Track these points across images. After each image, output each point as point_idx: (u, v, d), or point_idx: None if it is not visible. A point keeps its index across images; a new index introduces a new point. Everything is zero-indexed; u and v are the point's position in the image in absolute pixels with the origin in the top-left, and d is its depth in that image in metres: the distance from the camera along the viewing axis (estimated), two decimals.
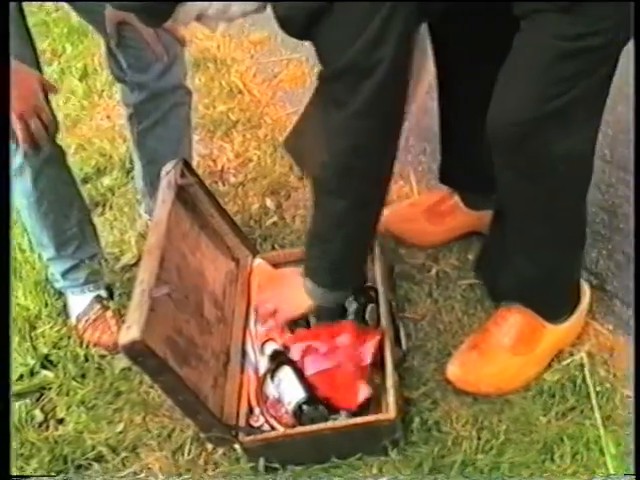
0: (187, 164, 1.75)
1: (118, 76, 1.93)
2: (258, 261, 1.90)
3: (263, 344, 1.67)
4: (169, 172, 1.70)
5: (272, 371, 1.60)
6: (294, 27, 1.27)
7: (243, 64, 3.00)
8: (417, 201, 2.08)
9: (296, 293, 1.62)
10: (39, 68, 1.77)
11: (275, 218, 2.18)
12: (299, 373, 1.58)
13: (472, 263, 1.83)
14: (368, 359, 1.56)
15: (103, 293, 2.02)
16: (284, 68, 2.92)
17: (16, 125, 1.62)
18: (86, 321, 1.96)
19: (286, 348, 1.64)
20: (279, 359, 1.61)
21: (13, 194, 1.83)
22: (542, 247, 1.55)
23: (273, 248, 2.06)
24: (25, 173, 1.77)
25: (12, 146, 1.70)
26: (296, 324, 1.68)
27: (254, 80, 2.88)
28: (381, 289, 1.72)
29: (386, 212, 2.00)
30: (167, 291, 1.44)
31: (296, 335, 1.65)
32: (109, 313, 1.97)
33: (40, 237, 1.93)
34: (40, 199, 1.82)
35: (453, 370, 1.63)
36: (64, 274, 1.99)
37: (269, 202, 2.24)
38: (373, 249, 1.77)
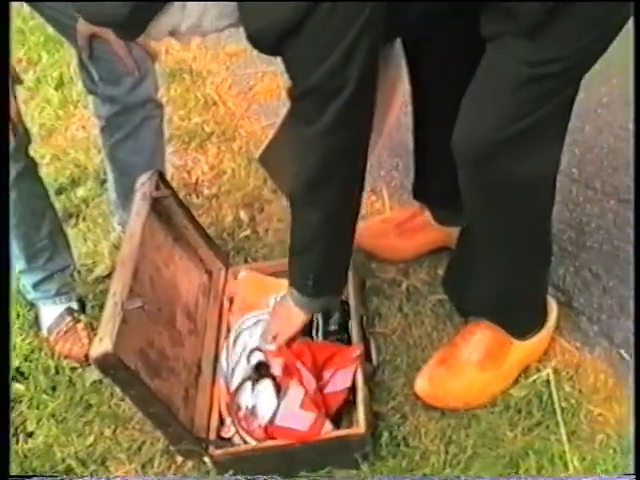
0: (161, 176, 1.76)
1: (90, 88, 1.93)
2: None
3: (250, 353, 1.67)
4: (144, 184, 1.71)
5: (254, 381, 1.61)
6: (263, 45, 1.29)
7: (219, 76, 3.01)
8: (389, 217, 2.11)
9: (287, 310, 1.65)
10: None
11: (248, 231, 2.19)
12: (277, 389, 1.59)
13: (441, 278, 1.85)
14: (349, 382, 1.58)
15: (74, 305, 2.01)
16: (259, 81, 2.93)
17: None
18: (57, 333, 1.96)
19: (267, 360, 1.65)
20: (261, 371, 1.62)
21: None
22: (507, 265, 1.57)
23: (246, 261, 2.07)
24: None
25: None
26: None
27: (229, 92, 2.89)
28: (353, 303, 1.74)
29: (358, 227, 2.04)
30: (140, 304, 1.45)
31: (279, 350, 1.65)
32: (80, 325, 1.97)
33: (12, 249, 1.92)
34: (10, 211, 1.82)
35: (421, 385, 1.65)
36: (35, 286, 1.98)
37: (243, 215, 2.24)
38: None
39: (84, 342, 1.92)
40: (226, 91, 2.90)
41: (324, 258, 1.54)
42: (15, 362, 1.94)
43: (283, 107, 2.65)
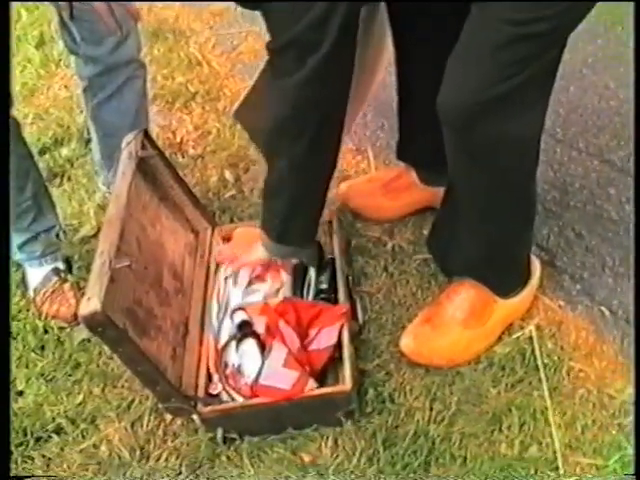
0: (147, 135, 1.74)
1: (72, 49, 1.91)
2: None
3: (233, 312, 1.68)
4: (129, 143, 1.70)
5: (238, 340, 1.62)
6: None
7: (202, 35, 2.97)
8: (374, 176, 2.11)
9: (252, 241, 1.73)
10: None
11: (234, 191, 2.19)
12: (262, 347, 1.60)
13: (425, 238, 1.86)
14: (334, 340, 1.60)
15: (61, 265, 2.01)
16: (243, 40, 2.90)
17: None
18: (44, 294, 1.96)
19: (251, 319, 1.66)
20: (245, 330, 1.63)
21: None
22: (490, 225, 1.59)
23: (232, 221, 2.07)
24: None
25: None
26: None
27: (213, 52, 2.86)
28: (339, 263, 1.75)
29: (343, 187, 2.06)
30: (127, 262, 1.45)
31: (262, 308, 1.66)
32: (67, 285, 1.97)
33: None
34: None
35: (406, 342, 1.67)
36: (21, 247, 1.97)
37: (228, 175, 2.24)
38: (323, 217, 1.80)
39: (71, 302, 1.92)
40: (210, 50, 2.87)
41: (290, 207, 1.60)
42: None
43: None
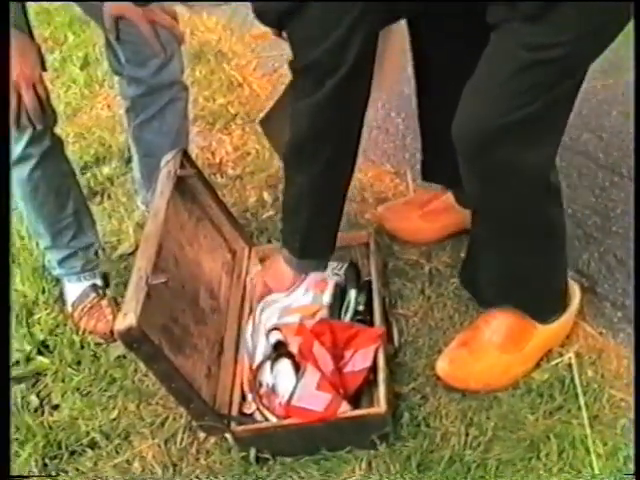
0: (186, 155, 1.76)
1: (116, 69, 1.93)
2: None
3: (268, 332, 1.67)
4: (168, 162, 1.71)
5: (273, 360, 1.61)
6: (266, 22, 1.40)
7: (244, 58, 3.00)
8: (411, 199, 2.10)
9: (278, 267, 1.77)
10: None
11: (272, 212, 2.18)
12: (296, 368, 1.59)
13: (457, 274, 1.84)
14: (369, 362, 1.58)
15: (99, 282, 2.02)
16: (284, 63, 2.89)
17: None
18: (82, 309, 1.97)
19: (286, 339, 1.65)
20: (280, 350, 1.62)
21: (11, 183, 1.84)
22: (513, 250, 1.57)
23: (269, 241, 2.06)
24: (23, 164, 1.77)
25: (12, 135, 1.70)
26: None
27: (254, 74, 2.89)
28: (375, 285, 1.73)
29: (381, 209, 2.05)
30: (164, 279, 1.45)
31: (298, 328, 1.65)
32: (104, 301, 1.98)
33: (36, 226, 1.94)
34: (35, 190, 1.83)
35: (442, 366, 1.64)
36: (60, 262, 1.99)
37: (266, 195, 2.24)
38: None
39: (108, 318, 1.93)
40: (251, 73, 2.89)
41: (310, 222, 1.65)
42: (40, 336, 1.96)
43: None
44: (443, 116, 1.49)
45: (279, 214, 2.15)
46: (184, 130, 2.08)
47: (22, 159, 1.77)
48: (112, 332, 1.82)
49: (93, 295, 1.99)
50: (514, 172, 1.40)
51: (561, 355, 1.64)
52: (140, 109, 1.98)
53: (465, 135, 1.39)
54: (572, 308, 1.68)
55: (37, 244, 2.12)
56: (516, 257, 1.57)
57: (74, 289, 2.01)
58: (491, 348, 1.63)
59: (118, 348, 1.84)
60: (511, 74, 1.31)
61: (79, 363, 1.88)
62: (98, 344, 1.91)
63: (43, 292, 2.08)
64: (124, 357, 1.84)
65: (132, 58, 1.86)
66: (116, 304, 1.96)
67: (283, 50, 2.92)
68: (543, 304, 1.66)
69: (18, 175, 1.80)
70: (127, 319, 1.33)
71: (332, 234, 1.71)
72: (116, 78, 2.01)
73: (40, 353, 1.93)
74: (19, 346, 1.92)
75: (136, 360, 1.69)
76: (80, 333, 1.94)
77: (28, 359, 1.91)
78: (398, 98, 2.60)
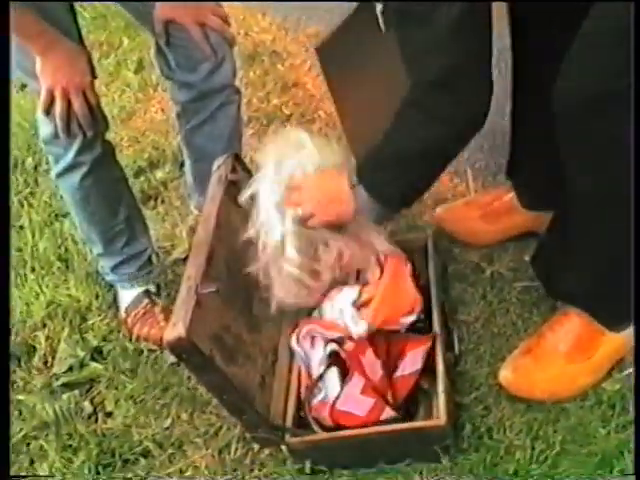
0: (238, 158, 1.72)
1: (167, 74, 1.91)
2: None
3: (326, 343, 1.60)
4: (220, 167, 1.67)
5: (325, 370, 1.56)
6: None
7: (298, 57, 2.95)
8: (472, 200, 2.02)
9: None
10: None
11: None
12: (344, 375, 1.53)
13: (530, 259, 1.75)
14: (419, 364, 1.52)
15: (152, 288, 2.01)
16: None
17: (57, 103, 1.60)
18: (135, 315, 1.95)
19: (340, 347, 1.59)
20: (332, 359, 1.56)
21: (61, 190, 1.84)
22: (606, 248, 1.47)
23: None
24: (74, 172, 1.77)
25: (62, 143, 1.70)
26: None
27: (309, 74, 2.83)
28: (434, 290, 1.66)
29: (440, 211, 1.98)
30: (214, 288, 1.41)
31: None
32: (158, 308, 1.96)
33: (88, 233, 1.93)
34: (86, 197, 1.83)
35: (506, 375, 1.57)
36: (113, 269, 1.99)
37: None
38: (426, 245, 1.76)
39: (162, 325, 1.91)
40: (305, 73, 2.84)
41: (420, 179, 1.51)
42: (94, 342, 1.95)
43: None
44: (536, 113, 1.44)
45: None
46: (237, 134, 2.04)
47: (73, 167, 1.76)
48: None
49: (146, 301, 1.97)
50: (617, 145, 1.30)
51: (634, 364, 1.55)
52: (191, 114, 1.95)
53: (572, 93, 1.29)
54: None
55: (90, 250, 2.11)
56: (602, 255, 1.48)
57: (127, 295, 2.00)
58: (557, 357, 1.55)
59: (172, 355, 1.81)
60: (618, 38, 1.23)
61: (133, 370, 1.87)
62: (152, 350, 1.90)
63: (97, 298, 2.08)
64: (178, 365, 1.82)
65: (182, 63, 1.84)
66: (170, 310, 1.93)
67: None
68: (617, 310, 1.55)
69: (69, 183, 1.80)
70: (176, 329, 1.30)
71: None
72: (167, 83, 1.99)
73: (94, 359, 1.93)
74: (72, 352, 1.92)
75: None
76: (133, 339, 1.93)
77: (81, 365, 1.91)
78: None
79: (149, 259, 2.01)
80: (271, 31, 3.16)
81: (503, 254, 1.88)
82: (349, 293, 1.64)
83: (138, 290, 1.99)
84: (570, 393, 1.53)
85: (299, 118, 2.57)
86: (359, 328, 1.56)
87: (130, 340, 1.93)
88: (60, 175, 1.81)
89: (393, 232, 1.99)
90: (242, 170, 1.71)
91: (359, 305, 1.62)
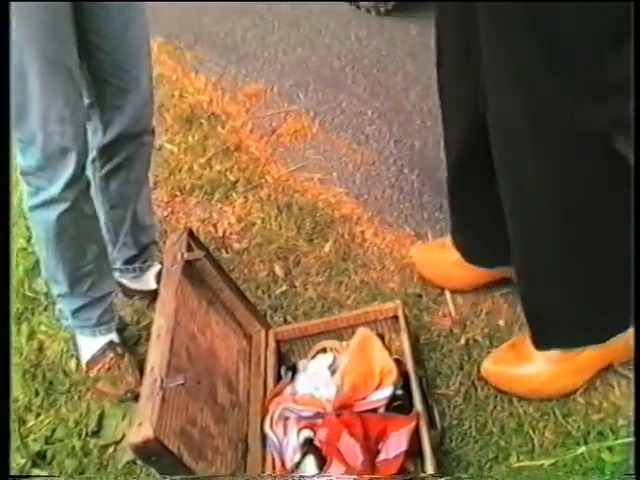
0: (192, 235, 1.71)
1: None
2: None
3: (299, 430, 1.60)
4: (174, 244, 1.66)
5: (300, 459, 1.55)
6: None
7: (238, 119, 2.97)
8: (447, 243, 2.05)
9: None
10: None
11: (285, 287, 2.13)
12: (322, 462, 1.52)
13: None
14: (404, 445, 1.51)
15: (115, 338, 1.99)
16: (282, 121, 2.90)
17: None
18: (98, 370, 1.94)
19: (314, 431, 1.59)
20: (306, 448, 1.55)
21: (34, 224, 1.83)
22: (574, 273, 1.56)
23: (285, 321, 2.01)
24: (54, 206, 1.74)
25: (47, 175, 1.69)
26: None
27: (251, 136, 2.85)
28: (410, 364, 1.67)
29: (415, 251, 2.10)
30: (181, 381, 1.39)
31: (326, 419, 1.59)
32: (123, 362, 1.94)
33: (55, 272, 1.88)
34: (61, 234, 1.79)
35: (486, 365, 1.72)
36: (75, 312, 1.95)
37: (277, 269, 2.19)
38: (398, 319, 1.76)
39: (128, 380, 1.90)
40: (248, 135, 2.86)
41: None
42: (35, 446, 1.88)
43: (310, 149, 2.67)
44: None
45: (293, 288, 2.12)
46: (147, 178, 2.08)
47: (54, 201, 1.73)
48: (131, 392, 1.87)
49: (111, 355, 1.95)
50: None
51: None
52: (107, 158, 1.95)
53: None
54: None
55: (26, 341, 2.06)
56: (582, 279, 1.56)
57: (89, 345, 1.97)
58: (537, 354, 1.66)
59: (127, 453, 1.77)
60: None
61: (82, 473, 1.81)
62: (104, 447, 1.84)
63: (36, 394, 2.01)
64: (134, 462, 1.77)
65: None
66: (137, 363, 1.94)
67: (279, 108, 2.94)
68: (602, 325, 1.62)
69: (45, 217, 1.76)
70: (142, 430, 1.27)
71: None
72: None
73: (35, 465, 1.85)
74: (12, 461, 1.84)
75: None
76: (97, 397, 1.91)
77: (23, 476, 1.83)
78: (409, 152, 2.58)
79: (111, 304, 1.98)
80: (207, 91, 3.18)
81: (476, 320, 1.91)
82: (324, 358, 1.72)
83: (101, 340, 1.96)
84: (551, 392, 1.66)
85: (245, 184, 2.57)
86: (329, 390, 1.62)
87: (94, 399, 1.91)
88: (36, 208, 1.76)
89: (358, 302, 2.02)
90: (197, 247, 1.70)
91: (333, 369, 1.69)
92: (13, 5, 1.47)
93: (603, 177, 1.43)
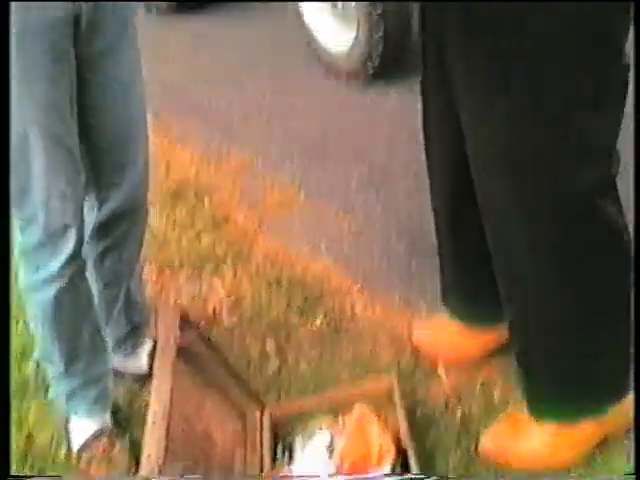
0: (184, 316, 1.72)
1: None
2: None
3: None
4: (168, 327, 1.66)
5: None
6: None
7: (225, 191, 3.00)
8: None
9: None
10: None
11: (277, 363, 2.13)
12: None
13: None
14: None
15: (109, 421, 1.96)
16: (269, 192, 2.93)
17: None
18: (90, 457, 1.90)
19: None
20: None
21: (31, 303, 1.81)
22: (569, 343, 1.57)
23: (279, 398, 2.00)
24: (52, 284, 1.73)
25: (49, 251, 1.69)
26: None
27: (238, 208, 2.87)
28: (408, 442, 1.67)
29: (416, 333, 2.07)
30: (180, 471, 1.38)
31: None
32: (116, 448, 1.90)
33: (51, 352, 1.86)
34: (58, 312, 1.77)
35: (484, 442, 1.71)
36: (70, 394, 1.92)
37: (269, 345, 2.19)
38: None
39: (121, 467, 1.86)
40: (235, 207, 2.88)
41: None
42: None
43: (297, 218, 2.69)
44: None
45: (285, 364, 2.12)
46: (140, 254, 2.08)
47: (53, 278, 1.72)
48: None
49: (104, 440, 1.92)
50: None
51: None
52: (102, 236, 1.94)
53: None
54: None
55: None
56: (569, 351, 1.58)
57: (82, 429, 1.94)
58: (534, 427, 1.66)
59: None
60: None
61: None
62: None
63: None
64: None
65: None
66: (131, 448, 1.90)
67: (265, 179, 2.97)
68: (598, 397, 1.63)
69: (43, 296, 1.75)
70: None
71: None
72: None
73: None
74: None
75: None
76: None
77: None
78: (397, 218, 2.61)
79: (107, 382, 1.96)
80: (193, 165, 3.20)
81: (469, 392, 1.90)
82: (321, 438, 1.72)
83: (94, 426, 1.93)
84: (549, 465, 1.64)
85: (234, 258, 2.58)
86: (328, 471, 1.62)
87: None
88: (34, 287, 1.76)
89: (352, 376, 2.02)
90: (190, 329, 1.71)
91: (331, 449, 1.69)
92: (18, 80, 1.50)
93: (590, 244, 1.47)
